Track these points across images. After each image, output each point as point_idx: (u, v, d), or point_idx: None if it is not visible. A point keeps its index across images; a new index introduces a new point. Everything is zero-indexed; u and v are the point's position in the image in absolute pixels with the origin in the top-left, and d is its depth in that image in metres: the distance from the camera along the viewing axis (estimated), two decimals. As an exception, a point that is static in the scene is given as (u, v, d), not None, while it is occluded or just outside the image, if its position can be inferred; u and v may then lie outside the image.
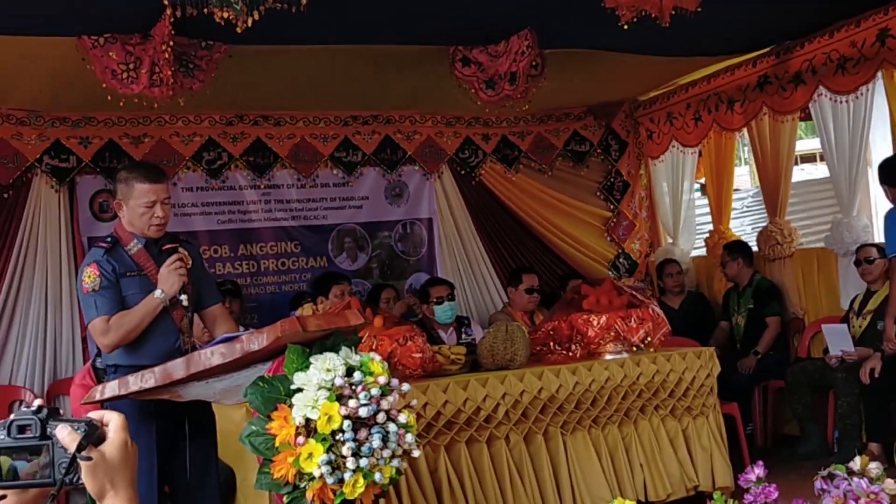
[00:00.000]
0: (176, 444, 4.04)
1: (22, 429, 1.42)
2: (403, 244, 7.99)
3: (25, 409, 1.44)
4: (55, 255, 6.59)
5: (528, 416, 5.11)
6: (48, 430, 1.42)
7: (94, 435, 1.44)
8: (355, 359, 3.33)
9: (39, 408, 1.44)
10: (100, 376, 5.09)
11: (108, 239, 4.10)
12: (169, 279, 3.98)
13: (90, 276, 3.95)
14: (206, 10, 4.42)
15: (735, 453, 5.90)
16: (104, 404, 3.95)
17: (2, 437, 1.42)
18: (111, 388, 3.55)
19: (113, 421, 1.48)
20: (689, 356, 5.57)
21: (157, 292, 3.97)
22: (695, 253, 8.78)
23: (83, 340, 6.51)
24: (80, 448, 1.41)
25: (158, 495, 4.00)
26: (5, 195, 6.49)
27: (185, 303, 4.04)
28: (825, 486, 2.45)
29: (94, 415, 1.49)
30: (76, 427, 1.42)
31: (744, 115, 7.38)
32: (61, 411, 1.49)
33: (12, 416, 1.43)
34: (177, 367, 3.39)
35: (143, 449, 3.93)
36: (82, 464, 1.41)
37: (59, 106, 6.50)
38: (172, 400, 3.61)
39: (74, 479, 1.42)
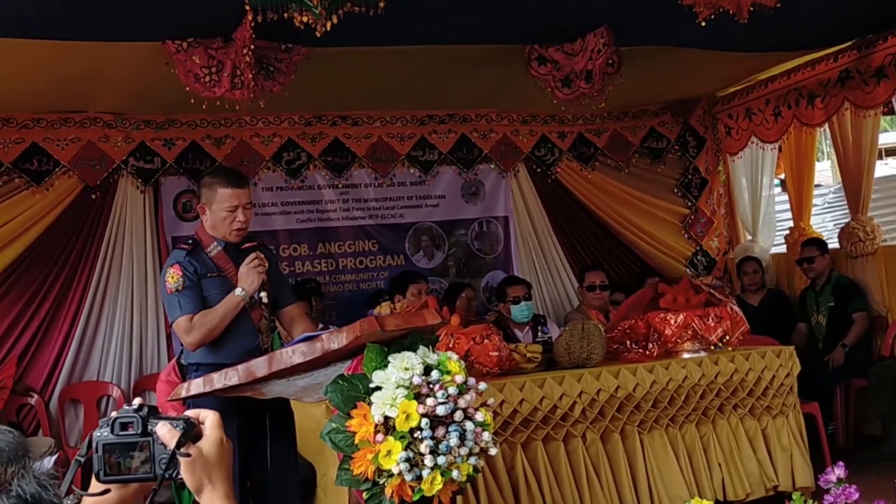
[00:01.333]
0: (256, 441, 4.12)
1: (124, 426, 1.49)
2: (480, 242, 8.02)
3: (127, 406, 1.51)
4: (140, 254, 6.77)
5: (605, 415, 5.11)
6: (149, 427, 1.49)
7: (191, 432, 1.52)
8: (433, 357, 3.37)
9: (140, 406, 1.51)
10: (185, 373, 5.22)
11: (189, 241, 4.21)
12: (248, 277, 4.07)
13: (173, 276, 4.07)
14: (286, 15, 4.50)
15: (816, 453, 5.82)
16: (187, 401, 4.07)
17: (106, 433, 1.49)
18: (196, 386, 3.64)
19: (209, 419, 1.56)
20: (769, 355, 5.52)
21: (238, 290, 4.06)
22: (775, 250, 8.66)
23: (168, 337, 6.67)
24: (179, 445, 1.48)
25: (240, 490, 4.09)
26: (93, 196, 6.68)
27: (264, 300, 4.12)
28: (907, 488, 2.43)
29: (191, 413, 1.56)
30: (175, 425, 1.50)
31: (825, 110, 7.26)
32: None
33: (115, 414, 1.51)
34: (259, 366, 3.47)
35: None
36: (181, 460, 1.49)
37: (144, 109, 6.67)
38: (254, 397, 3.68)
39: (174, 475, 1.49)
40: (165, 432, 1.48)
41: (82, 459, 1.49)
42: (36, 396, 6.39)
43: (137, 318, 6.71)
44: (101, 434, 1.49)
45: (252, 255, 4.11)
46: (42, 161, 6.52)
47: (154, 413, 1.52)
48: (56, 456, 1.96)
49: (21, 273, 6.44)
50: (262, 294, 4.11)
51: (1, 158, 6.39)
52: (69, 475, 1.44)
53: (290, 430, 4.27)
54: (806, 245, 7.60)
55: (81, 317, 6.56)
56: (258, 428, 4.10)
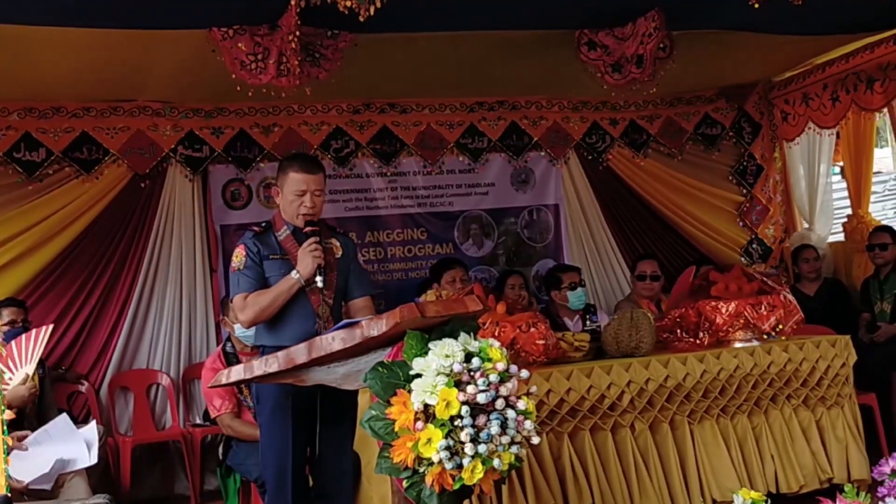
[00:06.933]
0: (315, 427, 4.12)
1: None
2: (530, 230, 7.95)
3: None
4: (189, 243, 6.81)
5: (654, 405, 5.02)
6: None
7: None
8: (474, 345, 3.31)
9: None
10: (229, 360, 5.26)
11: (263, 224, 4.28)
12: (304, 260, 4.07)
13: (238, 256, 4.14)
14: (329, 0, 4.46)
15: (873, 445, 5.69)
16: (251, 385, 4.03)
17: None
18: (236, 373, 3.63)
19: None
20: (823, 344, 5.38)
21: (293, 273, 4.07)
22: (832, 238, 8.48)
23: (217, 325, 6.70)
24: None
25: (294, 475, 4.07)
26: (142, 184, 6.73)
27: (319, 284, 4.10)
28: (964, 482, 2.34)
29: None
30: None
31: (884, 94, 7.08)
32: None
33: None
34: (299, 352, 3.44)
35: (280, 426, 4.02)
36: None
37: (192, 97, 6.70)
38: (296, 385, 3.66)
39: None
40: None
41: None
42: (86, 384, 6.45)
43: (186, 307, 6.75)
44: None
45: (310, 240, 4.11)
46: (92, 150, 6.58)
47: None
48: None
49: (72, 261, 6.51)
50: (318, 279, 4.09)
51: (51, 147, 6.46)
52: None
53: (346, 418, 4.22)
54: (877, 231, 7.43)
55: (131, 305, 6.62)
56: (312, 411, 4.09)
